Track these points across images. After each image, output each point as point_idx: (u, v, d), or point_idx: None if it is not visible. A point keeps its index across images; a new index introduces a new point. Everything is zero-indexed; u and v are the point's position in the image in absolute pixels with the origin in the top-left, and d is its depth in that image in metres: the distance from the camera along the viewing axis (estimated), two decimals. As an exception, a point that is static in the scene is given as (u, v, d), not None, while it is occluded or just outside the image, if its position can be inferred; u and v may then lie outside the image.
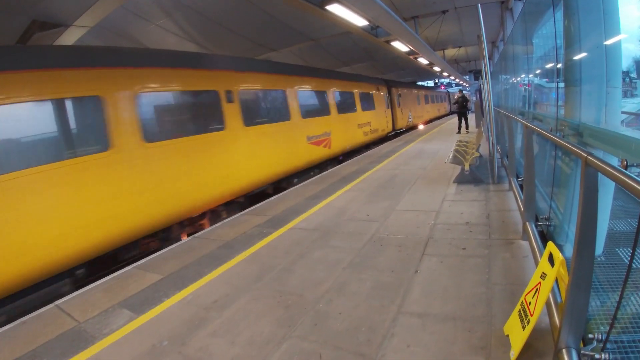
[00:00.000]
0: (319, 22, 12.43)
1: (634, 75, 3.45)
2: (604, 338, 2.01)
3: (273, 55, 16.35)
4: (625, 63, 3.35)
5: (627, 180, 1.47)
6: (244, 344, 3.05)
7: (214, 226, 6.61)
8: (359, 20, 9.21)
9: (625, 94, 3.57)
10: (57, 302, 4.25)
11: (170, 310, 3.77)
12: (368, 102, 17.15)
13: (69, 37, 8.84)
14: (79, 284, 5.21)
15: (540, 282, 2.47)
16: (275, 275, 4.24)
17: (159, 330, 3.42)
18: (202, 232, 6.34)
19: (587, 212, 1.90)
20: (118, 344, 3.30)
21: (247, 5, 11.24)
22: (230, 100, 8.03)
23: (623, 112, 3.57)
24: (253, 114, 9.04)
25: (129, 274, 4.88)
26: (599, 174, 1.81)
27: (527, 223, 4.14)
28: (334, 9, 8.07)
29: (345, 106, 14.67)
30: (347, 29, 12.00)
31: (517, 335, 2.49)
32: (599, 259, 3.28)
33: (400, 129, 22.47)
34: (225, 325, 3.35)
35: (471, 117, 19.29)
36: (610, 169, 1.64)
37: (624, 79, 3.43)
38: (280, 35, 14.26)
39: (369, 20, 9.37)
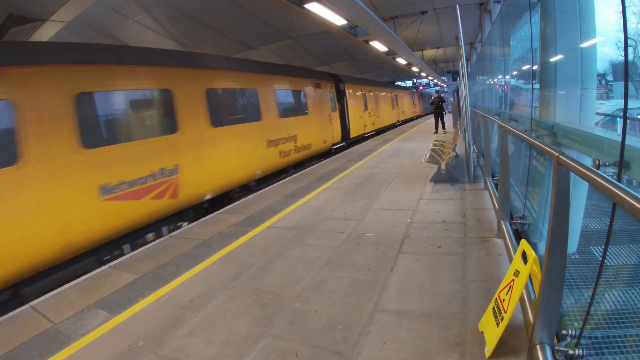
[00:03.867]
0: (298, 20, 12.36)
1: (610, 77, 3.53)
2: (577, 334, 2.04)
3: (252, 53, 16.21)
4: (602, 66, 3.42)
5: (596, 178, 1.49)
6: (221, 343, 3.00)
7: (190, 225, 6.51)
8: (337, 20, 9.21)
9: (601, 96, 3.65)
10: (32, 303, 4.12)
11: (146, 310, 3.69)
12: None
13: (45, 32, 8.57)
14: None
15: (513, 280, 2.50)
16: (252, 274, 4.20)
17: (135, 331, 3.34)
18: (179, 231, 6.24)
19: (559, 210, 1.92)
20: (94, 345, 3.21)
21: (226, 2, 11.12)
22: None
23: (597, 114, 3.65)
24: None
25: (105, 273, 4.76)
26: (572, 173, 1.83)
27: (501, 221, 4.20)
28: (313, 7, 8.05)
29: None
30: (326, 28, 11.98)
31: (492, 331, 2.52)
32: (573, 257, 3.35)
33: None
34: (202, 325, 3.29)
35: (448, 118, 19.55)
36: (581, 168, 1.66)
37: (600, 82, 3.51)
38: (259, 33, 14.13)
39: (348, 20, 9.37)
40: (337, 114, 16.16)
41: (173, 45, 13.30)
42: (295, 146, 11.94)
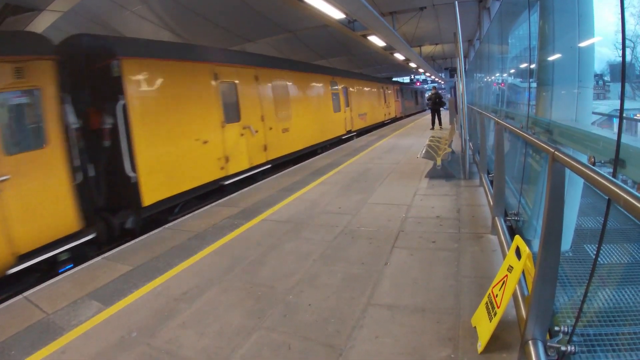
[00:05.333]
0: (296, 13, 12.32)
1: (607, 78, 3.54)
2: (570, 331, 2.05)
3: (250, 46, 16.13)
4: (600, 66, 3.43)
5: (592, 174, 1.49)
6: (214, 335, 3.00)
7: (185, 217, 6.50)
8: (336, 13, 9.15)
9: (598, 97, 3.66)
10: (26, 294, 4.09)
11: (140, 302, 3.68)
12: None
13: (42, 22, 8.50)
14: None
15: (507, 275, 2.50)
16: (246, 267, 4.19)
17: (128, 322, 3.33)
18: (173, 223, 6.22)
19: (553, 207, 1.92)
20: (87, 336, 3.20)
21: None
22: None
23: (594, 113, 3.65)
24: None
25: (99, 264, 4.74)
26: (567, 170, 1.83)
27: (496, 218, 4.21)
28: (311, 0, 8.00)
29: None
30: (324, 22, 11.92)
31: (485, 327, 2.53)
32: (566, 255, 3.36)
33: None
34: (195, 317, 3.29)
35: (444, 114, 19.60)
36: (576, 164, 1.66)
37: (597, 82, 3.51)
38: (257, 26, 14.07)
39: (346, 14, 9.32)
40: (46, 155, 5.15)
41: (170, 37, 13.22)
42: None
